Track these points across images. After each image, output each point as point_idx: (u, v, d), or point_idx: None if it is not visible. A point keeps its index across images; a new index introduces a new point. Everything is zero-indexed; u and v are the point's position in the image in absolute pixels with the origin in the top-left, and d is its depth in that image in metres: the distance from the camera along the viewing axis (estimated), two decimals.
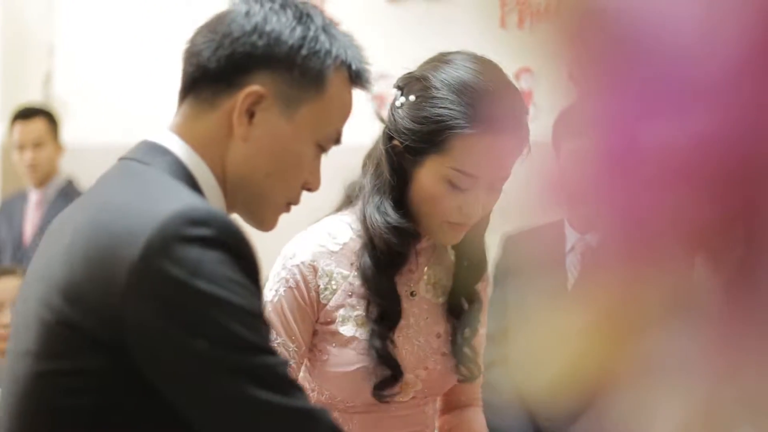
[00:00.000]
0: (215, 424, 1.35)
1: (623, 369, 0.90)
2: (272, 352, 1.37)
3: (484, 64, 1.84)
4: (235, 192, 1.49)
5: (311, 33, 1.47)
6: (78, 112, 5.15)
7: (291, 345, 1.85)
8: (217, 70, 1.46)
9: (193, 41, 1.50)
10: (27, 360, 1.39)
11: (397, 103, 1.86)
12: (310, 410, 1.39)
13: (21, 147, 4.76)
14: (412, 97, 1.83)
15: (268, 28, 1.46)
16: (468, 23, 3.96)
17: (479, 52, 1.88)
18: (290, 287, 1.86)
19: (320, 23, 1.49)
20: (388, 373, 1.87)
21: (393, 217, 1.86)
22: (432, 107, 1.80)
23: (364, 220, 1.89)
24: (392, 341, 1.88)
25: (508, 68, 1.89)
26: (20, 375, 1.40)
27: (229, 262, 1.33)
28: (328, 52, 1.48)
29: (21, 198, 4.89)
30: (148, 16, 5.03)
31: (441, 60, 1.85)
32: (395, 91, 1.88)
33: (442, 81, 1.81)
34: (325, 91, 1.49)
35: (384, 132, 1.88)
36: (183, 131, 1.48)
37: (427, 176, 1.83)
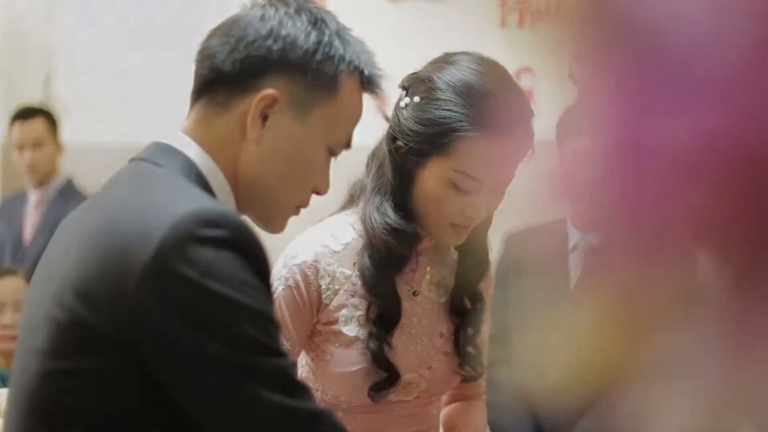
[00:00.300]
0: (224, 425, 1.36)
1: (628, 368, 0.90)
2: (282, 353, 1.38)
3: (488, 66, 1.84)
4: (246, 194, 1.50)
5: (326, 38, 1.49)
6: (78, 112, 5.15)
7: (285, 343, 1.85)
8: (232, 73, 1.47)
9: (206, 44, 1.51)
10: (37, 359, 1.40)
11: (402, 104, 1.85)
12: (317, 412, 1.40)
13: (21, 147, 4.75)
14: (416, 98, 1.83)
15: (283, 32, 1.47)
16: (469, 23, 3.95)
17: (480, 51, 1.88)
18: (289, 286, 1.86)
19: (334, 28, 1.50)
20: (385, 374, 1.87)
21: (392, 218, 1.86)
22: (436, 109, 1.80)
23: (364, 221, 1.88)
24: (389, 343, 1.87)
25: (509, 67, 1.89)
26: (29, 374, 1.41)
27: (241, 263, 1.34)
28: (342, 57, 1.49)
29: (20, 198, 4.89)
30: (148, 17, 5.03)
31: (446, 61, 1.85)
32: (397, 91, 1.88)
33: (446, 82, 1.81)
34: (337, 95, 1.50)
35: (388, 132, 1.88)
36: (196, 133, 1.49)
37: (431, 178, 1.83)
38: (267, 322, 1.37)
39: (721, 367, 0.85)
